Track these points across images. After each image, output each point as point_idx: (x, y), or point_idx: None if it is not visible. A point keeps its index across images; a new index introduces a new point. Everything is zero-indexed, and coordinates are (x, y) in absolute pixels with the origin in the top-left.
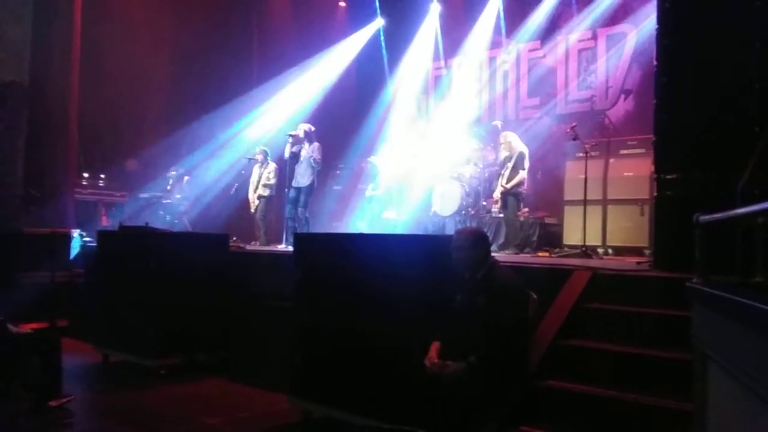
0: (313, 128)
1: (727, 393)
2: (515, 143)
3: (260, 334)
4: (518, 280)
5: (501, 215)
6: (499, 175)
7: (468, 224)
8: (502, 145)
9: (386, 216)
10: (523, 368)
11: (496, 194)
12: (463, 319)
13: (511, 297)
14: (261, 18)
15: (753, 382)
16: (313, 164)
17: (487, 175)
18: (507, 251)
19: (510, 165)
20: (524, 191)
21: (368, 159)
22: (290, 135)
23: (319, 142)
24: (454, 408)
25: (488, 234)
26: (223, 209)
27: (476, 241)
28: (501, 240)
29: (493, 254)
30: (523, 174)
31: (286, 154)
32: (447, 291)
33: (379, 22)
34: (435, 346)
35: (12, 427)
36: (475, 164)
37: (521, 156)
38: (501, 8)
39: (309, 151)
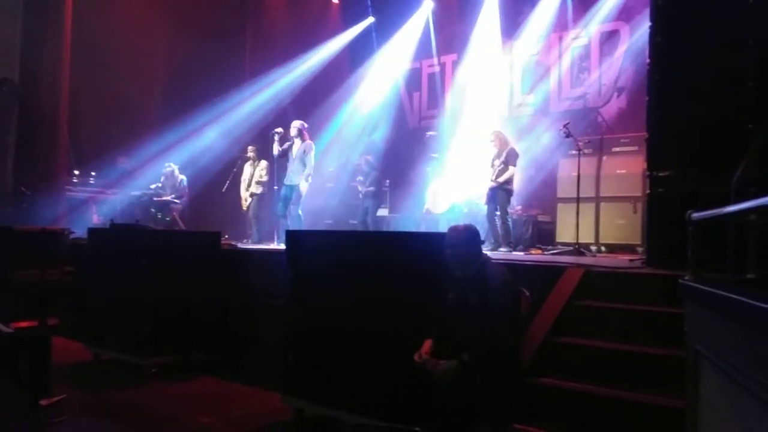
0: (306, 125)
1: (719, 390)
2: (505, 141)
3: (253, 333)
4: (510, 277)
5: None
6: (489, 171)
7: (461, 222)
8: (492, 143)
9: (379, 214)
10: (516, 366)
11: (485, 189)
12: (456, 316)
13: (503, 294)
14: (255, 16)
15: (745, 378)
16: (305, 161)
17: (479, 172)
18: (499, 249)
19: (500, 161)
20: (512, 188)
21: (365, 156)
22: (275, 132)
23: (311, 139)
24: (447, 406)
25: (481, 232)
26: (214, 207)
27: (469, 237)
28: (493, 238)
29: (485, 252)
30: (513, 170)
31: (274, 152)
32: (440, 288)
33: (371, 19)
34: (428, 344)
35: (2, 426)
36: (468, 161)
37: (512, 153)
38: (496, 6)
39: (301, 149)
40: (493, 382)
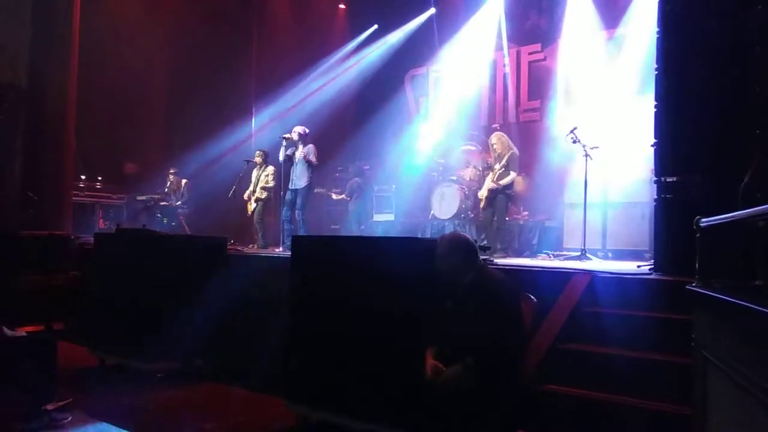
0: (307, 130)
1: (728, 397)
2: (506, 144)
3: (258, 338)
4: (509, 283)
5: (483, 215)
6: (487, 175)
7: (467, 227)
8: (494, 145)
9: (385, 219)
10: (520, 372)
11: (483, 192)
12: (455, 325)
13: (502, 300)
14: (260, 22)
15: (753, 386)
16: (308, 165)
17: (486, 177)
18: (497, 254)
19: (500, 165)
20: (513, 193)
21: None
22: (283, 137)
23: (315, 144)
24: (451, 413)
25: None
26: (220, 212)
27: (453, 248)
28: (498, 245)
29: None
30: (514, 175)
31: (281, 157)
32: (437, 297)
33: (377, 26)
34: (430, 355)
35: (8, 430)
36: (474, 167)
37: (513, 157)
38: (502, 11)
39: (303, 153)
40: (496, 389)
